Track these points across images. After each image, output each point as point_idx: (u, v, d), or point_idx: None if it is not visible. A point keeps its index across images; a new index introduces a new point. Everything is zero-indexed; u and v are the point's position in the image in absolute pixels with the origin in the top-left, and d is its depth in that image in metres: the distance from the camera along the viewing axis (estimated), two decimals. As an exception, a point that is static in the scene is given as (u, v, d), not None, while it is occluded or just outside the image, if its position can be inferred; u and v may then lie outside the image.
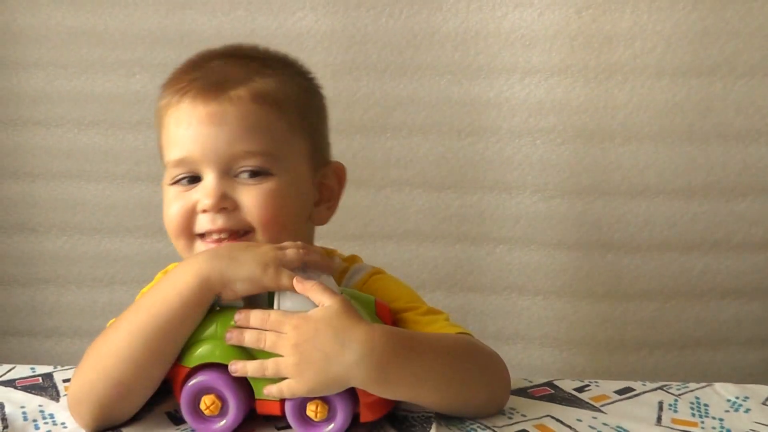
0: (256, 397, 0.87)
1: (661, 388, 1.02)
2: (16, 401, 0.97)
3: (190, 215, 0.94)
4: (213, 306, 0.89)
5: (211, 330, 0.88)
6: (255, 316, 0.86)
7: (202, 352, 0.87)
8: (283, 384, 0.85)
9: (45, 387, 1.01)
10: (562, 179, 1.57)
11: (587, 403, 0.98)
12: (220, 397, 0.87)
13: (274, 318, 0.86)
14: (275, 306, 0.88)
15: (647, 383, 1.03)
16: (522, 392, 1.00)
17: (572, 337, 1.61)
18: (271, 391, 0.85)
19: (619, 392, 1.01)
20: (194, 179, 0.94)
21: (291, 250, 0.89)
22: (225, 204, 0.92)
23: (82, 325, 1.68)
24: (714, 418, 0.95)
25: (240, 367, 0.86)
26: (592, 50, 1.53)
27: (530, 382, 1.04)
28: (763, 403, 0.98)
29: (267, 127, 0.94)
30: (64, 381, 1.02)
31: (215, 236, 0.93)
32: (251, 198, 0.93)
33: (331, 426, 0.86)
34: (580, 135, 1.56)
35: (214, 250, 0.90)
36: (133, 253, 1.65)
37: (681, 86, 1.53)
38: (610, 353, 1.61)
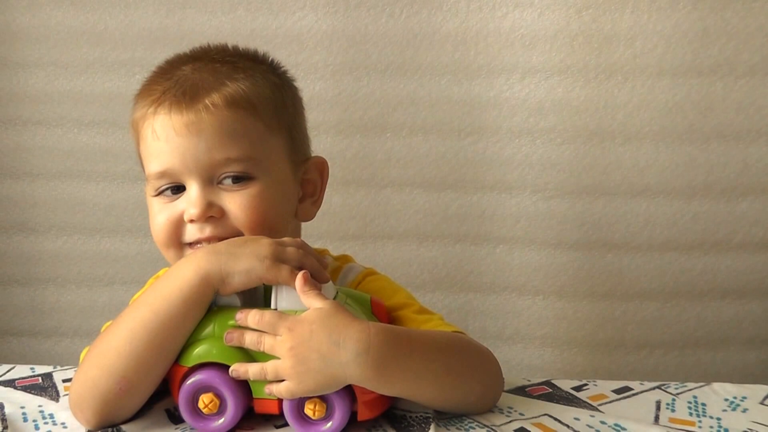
0: (255, 396, 0.88)
1: (658, 387, 1.02)
2: (16, 401, 0.97)
3: (178, 225, 0.95)
4: (210, 306, 0.89)
5: (208, 330, 0.88)
6: (251, 316, 0.87)
7: (199, 352, 0.88)
8: (282, 386, 0.85)
9: (45, 387, 1.01)
10: (562, 179, 1.57)
11: (585, 402, 0.98)
12: (219, 396, 0.87)
13: (268, 319, 0.86)
14: (272, 304, 0.88)
15: (645, 383, 1.03)
16: (520, 391, 1.01)
17: (572, 337, 1.61)
18: (271, 390, 0.86)
19: (617, 391, 1.01)
20: (178, 189, 0.95)
21: (291, 249, 0.89)
22: (211, 212, 0.93)
23: (82, 325, 1.68)
24: (711, 417, 0.95)
25: (242, 372, 0.86)
26: (593, 50, 1.53)
27: (529, 381, 1.04)
28: (761, 403, 0.98)
29: (244, 132, 0.94)
30: (64, 381, 1.03)
31: (204, 245, 0.94)
32: (236, 204, 0.93)
33: (330, 424, 0.86)
34: (581, 135, 1.56)
35: (213, 246, 0.91)
36: (133, 253, 1.65)
37: (681, 86, 1.53)
38: (610, 353, 1.61)
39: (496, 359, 0.95)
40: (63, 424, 0.92)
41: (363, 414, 0.87)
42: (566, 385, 1.03)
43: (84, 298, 1.68)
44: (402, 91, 1.58)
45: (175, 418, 0.92)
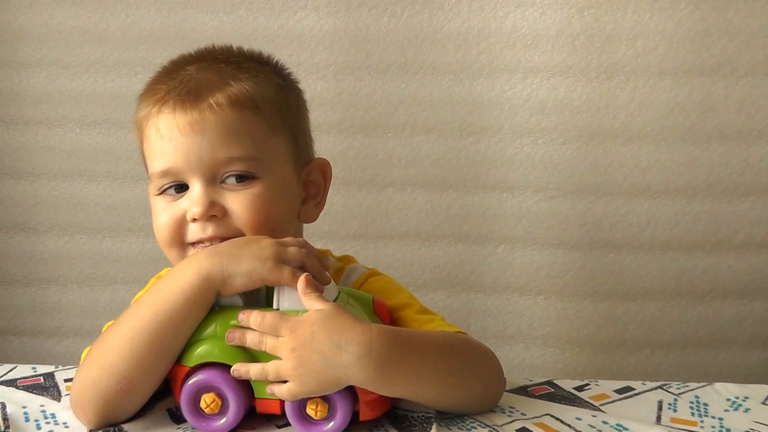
0: (256, 396, 0.88)
1: (660, 387, 1.02)
2: (18, 401, 0.97)
3: (180, 225, 0.95)
4: (212, 306, 0.89)
5: (210, 329, 0.88)
6: (253, 317, 0.87)
7: (201, 352, 0.88)
8: (283, 387, 0.85)
9: (46, 387, 1.02)
10: (564, 179, 1.57)
11: (587, 402, 0.98)
12: (220, 396, 0.87)
13: (270, 320, 0.86)
14: (274, 304, 0.88)
15: (647, 383, 1.03)
16: (522, 391, 1.01)
17: (574, 337, 1.61)
18: (272, 390, 0.86)
19: (619, 391, 1.01)
20: (181, 188, 0.95)
21: (293, 249, 0.90)
22: (214, 212, 0.93)
23: (84, 324, 1.68)
24: (713, 417, 0.95)
25: (244, 372, 0.87)
26: (594, 50, 1.53)
27: (530, 380, 1.04)
28: (763, 403, 0.98)
29: (248, 132, 0.94)
30: (66, 381, 1.03)
31: (207, 244, 0.94)
32: (239, 204, 0.93)
33: (331, 424, 0.86)
34: (582, 135, 1.56)
35: (215, 247, 0.91)
36: (135, 252, 1.65)
37: (683, 86, 1.53)
38: (612, 353, 1.61)
39: (498, 359, 0.95)
40: (65, 423, 0.92)
41: (365, 414, 0.87)
42: (568, 384, 1.03)
43: (85, 298, 1.68)
44: (404, 91, 1.58)
45: (177, 418, 0.92)
